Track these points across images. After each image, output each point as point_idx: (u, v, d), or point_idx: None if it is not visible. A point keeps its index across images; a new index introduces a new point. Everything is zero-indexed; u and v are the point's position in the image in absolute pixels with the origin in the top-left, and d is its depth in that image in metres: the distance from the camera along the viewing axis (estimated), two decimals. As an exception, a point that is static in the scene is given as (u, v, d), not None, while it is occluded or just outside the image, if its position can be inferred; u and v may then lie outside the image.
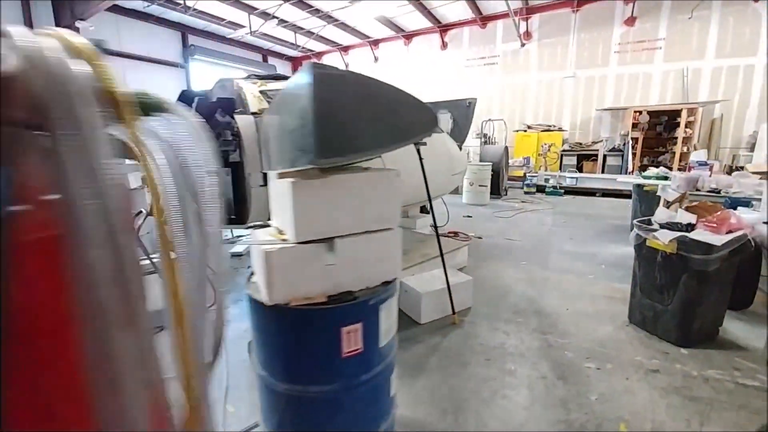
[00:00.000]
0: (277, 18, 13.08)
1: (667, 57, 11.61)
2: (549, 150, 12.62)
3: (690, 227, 3.02)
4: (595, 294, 3.98)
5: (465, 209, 8.76)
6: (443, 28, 15.21)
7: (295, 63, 19.93)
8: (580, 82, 13.30)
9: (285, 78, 3.58)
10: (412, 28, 15.52)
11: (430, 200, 3.77)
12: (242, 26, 13.69)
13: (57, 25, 10.43)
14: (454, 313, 3.44)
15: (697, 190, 5.01)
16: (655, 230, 3.06)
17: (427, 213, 6.06)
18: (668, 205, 4.93)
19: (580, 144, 13.16)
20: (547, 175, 11.68)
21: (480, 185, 9.30)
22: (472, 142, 15.32)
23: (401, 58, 16.80)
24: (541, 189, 11.26)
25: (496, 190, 10.01)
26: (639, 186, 6.11)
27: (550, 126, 13.73)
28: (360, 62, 17.91)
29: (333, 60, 18.66)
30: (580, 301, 3.79)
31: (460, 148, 6.12)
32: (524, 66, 14.27)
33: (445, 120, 6.26)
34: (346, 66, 18.38)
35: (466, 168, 6.40)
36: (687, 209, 3.25)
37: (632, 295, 3.36)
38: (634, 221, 3.31)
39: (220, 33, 14.76)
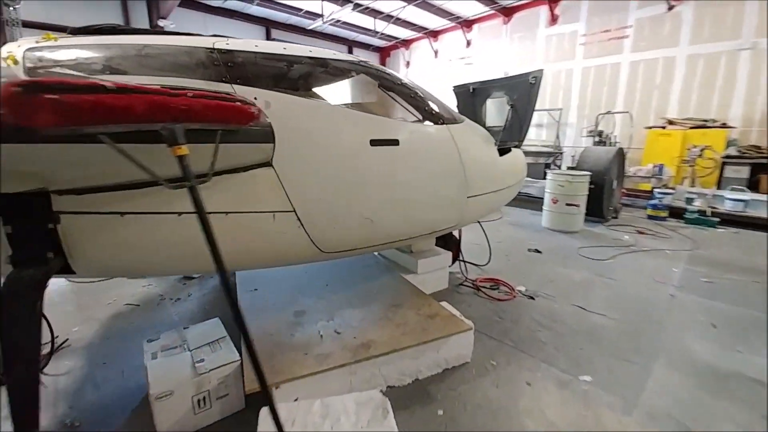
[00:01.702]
0: (351, 2, 11.95)
1: None
2: (701, 155, 8.62)
3: None
4: None
5: (539, 237, 6.17)
6: (553, -4, 12.00)
7: (383, 53, 18.78)
8: (763, 56, 8.79)
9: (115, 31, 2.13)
10: (512, 0, 12.66)
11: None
12: (320, 15, 13.00)
13: (150, 23, 11.14)
14: None
15: None
16: None
17: (449, 249, 3.99)
18: None
19: (758, 148, 8.72)
20: (691, 192, 7.89)
21: (568, 203, 6.50)
22: (580, 141, 11.86)
23: (498, 40, 14.04)
24: (677, 213, 7.54)
25: (598, 210, 6.96)
26: None
27: (705, 121, 9.51)
28: (451, 48, 15.71)
29: (422, 47, 16.87)
30: None
31: (518, 146, 3.86)
32: (670, 37, 10.21)
33: (499, 107, 4.03)
34: (435, 53, 16.40)
35: (522, 178, 4.06)
36: None
37: None
38: None
39: (301, 25, 14.41)
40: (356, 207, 2.46)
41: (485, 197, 3.29)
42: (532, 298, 3.86)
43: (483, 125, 3.85)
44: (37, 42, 1.93)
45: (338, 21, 13.84)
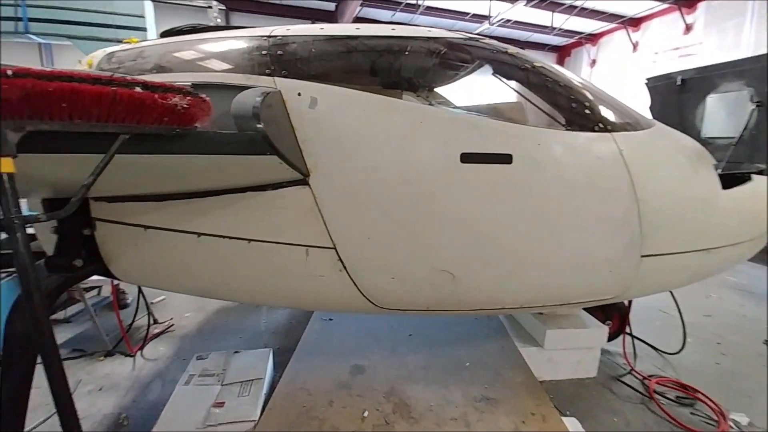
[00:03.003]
0: (525, -4, 10.62)
1: None
2: None
3: None
4: None
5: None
6: None
7: (562, 53, 16.32)
8: None
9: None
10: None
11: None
12: (487, 17, 12.13)
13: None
14: None
15: None
16: None
17: (606, 318, 2.70)
18: None
19: None
20: None
21: None
22: None
23: (740, 20, 10.01)
24: None
25: None
26: None
27: None
28: (659, 37, 12.24)
29: (615, 41, 13.81)
30: None
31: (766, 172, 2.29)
32: None
33: (732, 106, 2.44)
34: (634, 47, 13.12)
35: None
36: None
37: None
38: None
39: (467, 29, 13.80)
40: (428, 253, 1.66)
41: (682, 259, 1.90)
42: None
43: (695, 136, 2.34)
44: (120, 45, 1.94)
45: (508, 21, 12.59)
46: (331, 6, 12.45)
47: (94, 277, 2.49)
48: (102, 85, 0.83)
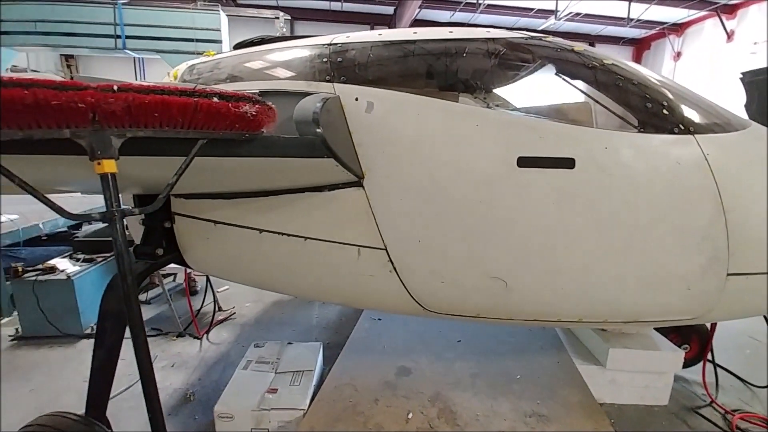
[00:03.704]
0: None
1: None
2: None
3: None
4: None
5: None
6: None
7: (639, 46, 14.93)
8: None
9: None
10: None
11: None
12: (553, 12, 11.49)
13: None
14: None
15: None
16: None
17: (684, 341, 2.46)
18: None
19: None
20: None
21: None
22: None
23: None
24: None
25: None
26: None
27: None
28: (759, 25, 10.72)
29: (705, 30, 12.33)
30: None
31: None
32: None
33: None
34: (729, 36, 11.61)
35: None
36: None
37: None
38: None
39: (531, 26, 13.17)
40: (480, 259, 1.62)
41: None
42: None
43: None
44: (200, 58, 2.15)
45: (577, 15, 11.80)
46: (390, 10, 12.62)
47: (170, 265, 2.79)
48: (187, 97, 0.94)
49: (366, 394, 2.05)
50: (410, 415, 1.90)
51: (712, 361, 2.55)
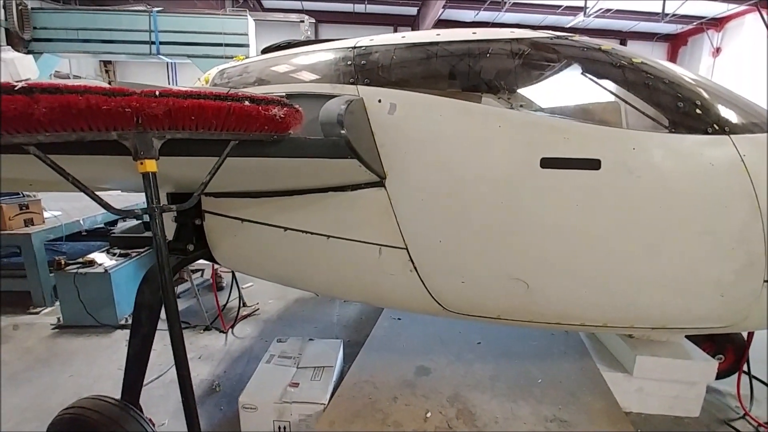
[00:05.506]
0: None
1: None
2: None
3: None
4: None
5: None
6: None
7: (675, 42, 14.29)
8: None
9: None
10: None
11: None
12: (582, 9, 11.17)
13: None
14: None
15: None
16: None
17: (719, 351, 2.38)
18: None
19: None
20: None
21: None
22: None
23: None
24: None
25: None
26: None
27: None
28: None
29: (747, 25, 11.69)
30: None
31: None
32: None
33: None
34: (772, 30, 10.92)
35: None
36: None
37: None
38: None
39: (558, 24, 12.85)
40: (501, 260, 1.62)
41: None
42: None
43: None
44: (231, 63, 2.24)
45: (607, 11, 11.41)
46: (413, 10, 12.61)
47: (198, 261, 2.91)
48: (220, 101, 1.00)
49: (385, 392, 2.07)
50: (429, 414, 1.91)
51: (748, 373, 2.42)
